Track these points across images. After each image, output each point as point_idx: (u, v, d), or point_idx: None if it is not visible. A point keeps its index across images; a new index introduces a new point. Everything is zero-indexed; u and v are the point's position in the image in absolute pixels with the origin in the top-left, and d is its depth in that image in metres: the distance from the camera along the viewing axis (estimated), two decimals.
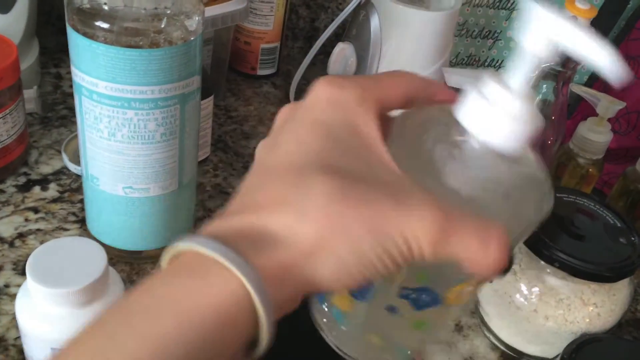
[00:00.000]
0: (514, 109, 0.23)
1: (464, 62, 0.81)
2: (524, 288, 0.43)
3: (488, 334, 0.48)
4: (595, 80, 0.69)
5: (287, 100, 0.74)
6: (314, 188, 0.21)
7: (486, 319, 0.47)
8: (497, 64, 0.82)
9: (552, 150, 0.57)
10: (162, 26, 0.38)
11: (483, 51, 0.80)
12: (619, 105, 0.50)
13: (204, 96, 0.57)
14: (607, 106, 0.50)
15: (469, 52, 0.80)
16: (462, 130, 0.24)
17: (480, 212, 0.22)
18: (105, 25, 0.37)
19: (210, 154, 0.63)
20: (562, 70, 0.52)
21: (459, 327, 0.49)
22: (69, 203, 0.53)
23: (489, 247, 0.21)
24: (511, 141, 0.23)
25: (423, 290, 0.26)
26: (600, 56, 0.22)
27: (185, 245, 0.21)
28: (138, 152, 0.42)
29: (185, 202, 0.48)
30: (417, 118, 0.25)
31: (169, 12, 0.39)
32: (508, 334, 0.45)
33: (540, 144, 0.58)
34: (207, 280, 0.20)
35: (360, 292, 0.27)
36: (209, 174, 0.61)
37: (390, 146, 0.23)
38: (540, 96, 0.55)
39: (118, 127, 0.41)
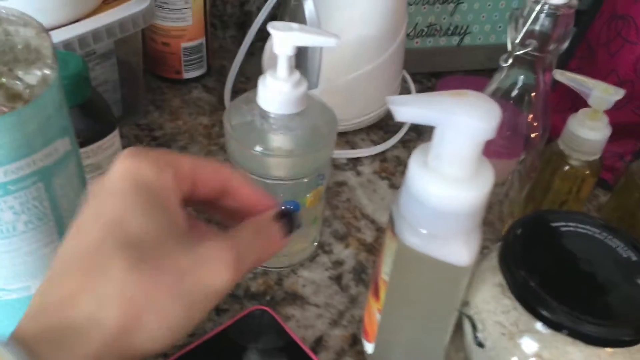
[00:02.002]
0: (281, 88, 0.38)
1: (424, 33, 0.70)
2: (524, 355, 0.34)
3: None
4: (571, 56, 0.58)
5: (222, 107, 0.63)
6: (111, 270, 0.21)
7: None
8: (462, 31, 0.71)
9: (538, 147, 0.47)
10: None
11: (444, 18, 0.69)
12: (617, 94, 0.40)
13: (106, 132, 0.46)
14: (602, 97, 0.40)
15: (428, 22, 0.69)
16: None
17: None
18: None
19: None
20: (540, 56, 0.41)
21: None
22: None
23: (271, 238, 0.26)
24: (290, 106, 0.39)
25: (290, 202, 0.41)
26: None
27: None
28: None
29: None
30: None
31: None
32: None
33: (524, 141, 0.48)
34: None
35: None
36: None
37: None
38: (518, 86, 0.44)
39: None
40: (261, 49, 0.60)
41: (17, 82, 0.29)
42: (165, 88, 0.65)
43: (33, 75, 0.29)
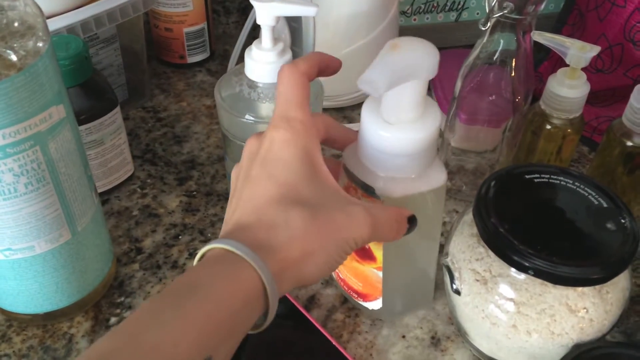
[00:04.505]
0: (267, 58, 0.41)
1: (421, 10, 0.71)
2: (497, 299, 0.35)
3: (469, 347, 0.40)
4: (563, 24, 0.59)
5: None
6: (294, 218, 0.29)
7: (462, 332, 0.40)
8: (459, 6, 0.72)
9: (522, 109, 0.49)
10: None
11: None
12: (593, 51, 0.41)
13: (107, 109, 0.48)
14: (578, 55, 0.41)
15: None
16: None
17: None
18: None
19: (136, 169, 0.55)
20: (520, 18, 0.43)
21: (435, 340, 0.42)
22: None
23: (400, 229, 0.32)
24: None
25: None
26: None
27: (221, 245, 0.28)
28: (2, 209, 0.34)
29: (90, 248, 0.41)
30: None
31: None
32: (490, 349, 0.38)
33: (508, 103, 0.49)
34: (238, 275, 0.27)
35: None
36: (136, 195, 0.53)
37: None
38: (500, 49, 0.46)
39: None
40: None
41: (12, 52, 0.31)
42: (171, 73, 0.68)
43: (26, 47, 0.32)
